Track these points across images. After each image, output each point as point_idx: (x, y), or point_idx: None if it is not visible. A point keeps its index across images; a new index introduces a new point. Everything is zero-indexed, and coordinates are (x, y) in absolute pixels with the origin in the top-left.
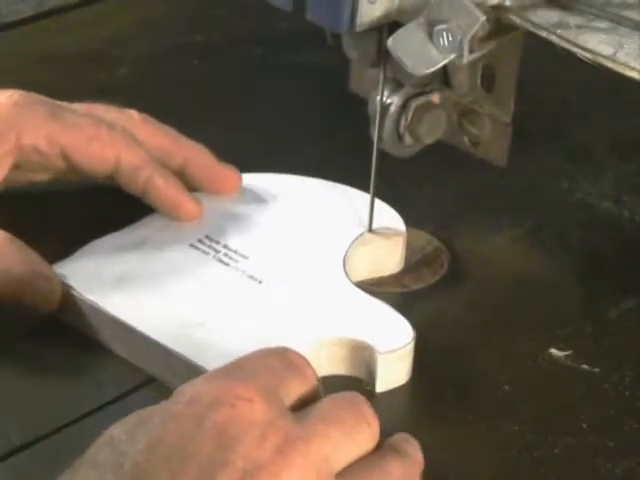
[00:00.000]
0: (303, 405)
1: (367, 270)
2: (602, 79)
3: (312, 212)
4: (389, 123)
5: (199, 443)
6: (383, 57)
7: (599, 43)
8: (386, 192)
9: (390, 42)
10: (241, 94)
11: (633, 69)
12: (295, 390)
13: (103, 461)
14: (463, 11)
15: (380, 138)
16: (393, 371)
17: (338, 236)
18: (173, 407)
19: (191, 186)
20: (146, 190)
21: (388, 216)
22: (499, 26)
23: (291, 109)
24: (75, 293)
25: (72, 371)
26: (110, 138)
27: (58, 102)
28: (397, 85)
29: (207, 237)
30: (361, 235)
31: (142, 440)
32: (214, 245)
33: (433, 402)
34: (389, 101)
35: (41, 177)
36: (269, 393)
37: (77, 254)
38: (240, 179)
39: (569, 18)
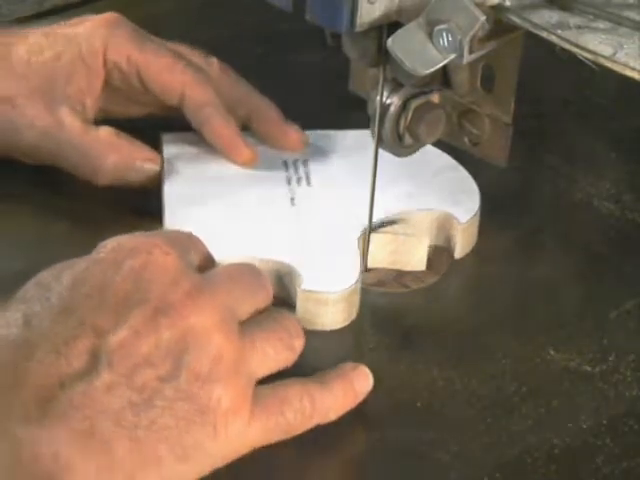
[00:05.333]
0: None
1: (388, 261)
2: (602, 79)
3: (397, 175)
4: (389, 123)
5: (118, 283)
6: (383, 57)
7: (599, 43)
8: None
9: (390, 42)
10: None
11: (633, 69)
12: (195, 257)
13: (31, 296)
14: (463, 11)
15: (380, 138)
16: (314, 311)
17: (388, 205)
18: (95, 255)
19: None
20: (204, 127)
21: (467, 206)
22: (499, 26)
23: (291, 109)
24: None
25: None
26: (182, 72)
27: (151, 35)
28: (397, 85)
29: (304, 160)
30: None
31: (67, 279)
32: (301, 167)
33: (432, 400)
34: (389, 101)
35: (134, 110)
36: (182, 251)
37: (185, 134)
38: (304, 138)
39: (569, 18)
